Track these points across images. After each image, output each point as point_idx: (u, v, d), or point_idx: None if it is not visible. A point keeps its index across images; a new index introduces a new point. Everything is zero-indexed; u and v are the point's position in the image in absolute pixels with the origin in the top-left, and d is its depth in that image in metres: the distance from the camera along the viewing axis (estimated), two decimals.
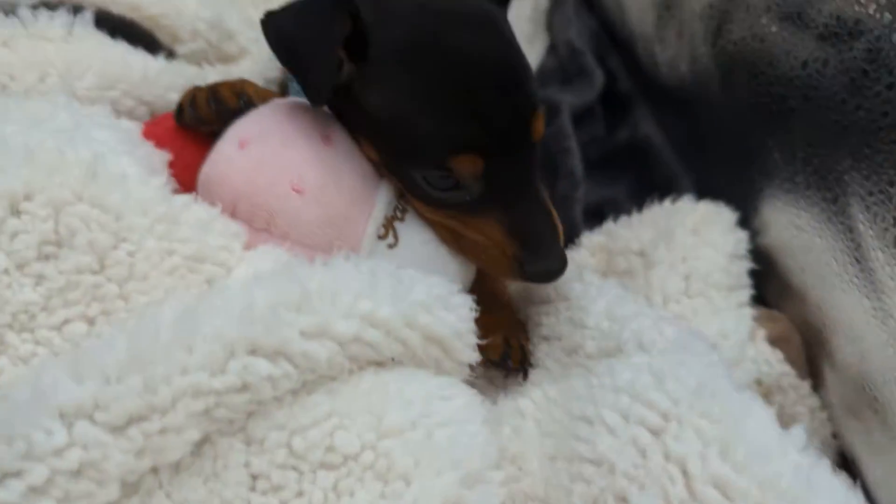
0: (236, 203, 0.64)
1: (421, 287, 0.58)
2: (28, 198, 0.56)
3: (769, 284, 0.83)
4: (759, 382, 0.75)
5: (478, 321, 0.61)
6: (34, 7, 0.76)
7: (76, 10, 0.78)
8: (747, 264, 0.82)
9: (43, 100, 0.67)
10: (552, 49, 1.23)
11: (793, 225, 0.78)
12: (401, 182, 0.66)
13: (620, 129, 1.12)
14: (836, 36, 0.68)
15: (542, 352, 0.70)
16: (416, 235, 0.67)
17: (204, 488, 0.50)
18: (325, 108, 0.69)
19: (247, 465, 0.51)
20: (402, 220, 0.67)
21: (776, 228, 0.82)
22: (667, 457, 0.52)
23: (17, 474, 0.44)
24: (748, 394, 0.57)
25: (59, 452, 0.45)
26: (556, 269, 0.63)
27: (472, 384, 0.62)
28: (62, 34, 0.75)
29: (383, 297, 0.56)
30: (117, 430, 0.47)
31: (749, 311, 0.79)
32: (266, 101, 0.69)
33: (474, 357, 0.60)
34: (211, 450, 0.51)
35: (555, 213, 0.64)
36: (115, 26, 0.80)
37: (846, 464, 0.74)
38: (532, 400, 0.64)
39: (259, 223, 0.64)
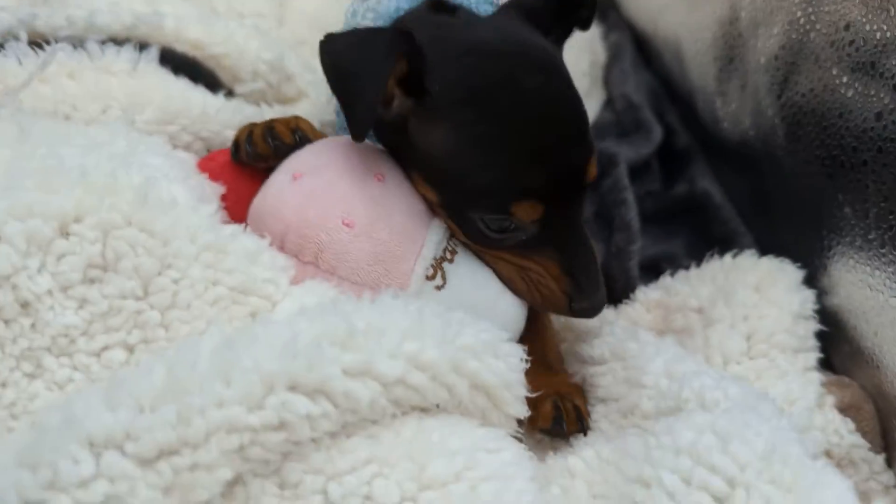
0: (285, 235, 0.63)
1: (470, 331, 0.57)
2: (78, 219, 0.56)
3: (838, 348, 0.79)
4: (827, 454, 0.70)
5: (528, 380, 0.59)
6: (102, 42, 0.79)
7: (142, 46, 0.81)
8: (815, 325, 0.78)
9: (102, 126, 0.68)
10: (608, 103, 1.23)
11: (865, 285, 0.74)
12: (455, 222, 0.65)
13: (678, 183, 1.09)
14: None
15: (598, 413, 0.68)
16: (464, 278, 0.66)
17: None
18: (379, 145, 0.69)
19: None
20: (451, 261, 0.66)
21: (846, 288, 0.78)
22: None
23: None
24: (823, 461, 0.53)
25: (84, 484, 0.44)
26: (599, 305, 0.65)
27: (519, 439, 0.59)
28: (127, 69, 0.78)
29: (431, 338, 0.54)
30: (146, 463, 0.45)
31: (817, 376, 0.75)
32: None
33: (522, 411, 0.59)
34: (242, 492, 0.49)
35: (595, 251, 0.66)
36: (178, 64, 0.83)
37: None
38: (583, 459, 0.61)
39: (307, 256, 0.63)
